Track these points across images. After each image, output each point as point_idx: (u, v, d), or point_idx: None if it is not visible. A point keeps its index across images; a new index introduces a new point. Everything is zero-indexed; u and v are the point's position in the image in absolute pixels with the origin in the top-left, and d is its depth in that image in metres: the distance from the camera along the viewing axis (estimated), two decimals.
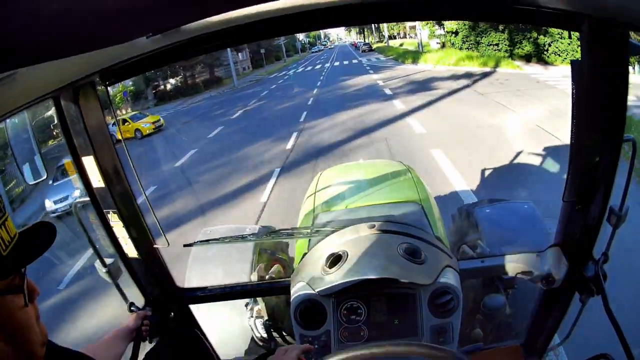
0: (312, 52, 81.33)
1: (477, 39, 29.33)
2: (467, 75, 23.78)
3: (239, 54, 56.67)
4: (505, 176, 8.37)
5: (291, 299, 2.07)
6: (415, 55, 36.21)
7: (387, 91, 22.11)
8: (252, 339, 3.34)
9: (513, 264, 2.25)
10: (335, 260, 2.06)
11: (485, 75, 23.23)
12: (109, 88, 1.89)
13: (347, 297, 1.98)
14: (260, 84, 41.31)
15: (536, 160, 8.77)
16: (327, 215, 3.30)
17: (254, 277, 3.01)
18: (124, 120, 24.20)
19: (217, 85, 46.41)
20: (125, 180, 2.18)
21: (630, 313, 2.32)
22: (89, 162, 2.02)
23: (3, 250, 0.94)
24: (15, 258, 0.97)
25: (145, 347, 2.24)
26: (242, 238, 2.59)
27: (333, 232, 2.30)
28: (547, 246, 2.18)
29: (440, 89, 20.50)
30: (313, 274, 2.09)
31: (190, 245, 2.57)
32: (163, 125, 24.66)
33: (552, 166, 8.26)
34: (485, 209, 3.93)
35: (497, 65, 25.35)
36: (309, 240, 2.85)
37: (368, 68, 37.63)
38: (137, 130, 23.82)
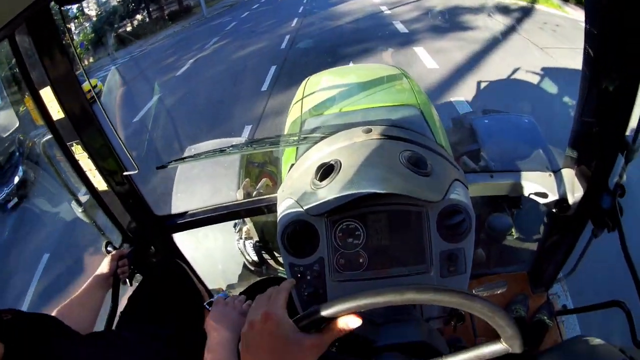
0: None
1: None
2: (503, 8, 15.12)
3: None
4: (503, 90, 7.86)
5: (277, 221, 1.79)
6: None
7: (400, 27, 13.93)
8: (244, 264, 3.22)
9: (525, 182, 2.04)
10: (326, 171, 1.72)
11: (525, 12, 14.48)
12: (65, 9, 1.75)
13: (342, 217, 1.66)
14: (235, 9, 34.05)
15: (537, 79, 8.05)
16: (317, 120, 2.99)
17: (240, 195, 2.84)
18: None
19: (187, 15, 39.56)
20: (89, 108, 2.00)
21: None
22: (47, 94, 1.84)
23: None
24: None
25: (128, 291, 2.11)
26: (220, 151, 2.24)
27: (323, 138, 1.98)
28: (560, 168, 2.00)
29: (479, 30, 12.37)
30: (301, 188, 1.77)
31: (163, 167, 2.31)
32: (101, 91, 21.00)
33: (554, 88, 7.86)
34: (484, 119, 3.78)
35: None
36: (297, 149, 2.62)
37: None
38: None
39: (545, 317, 2.48)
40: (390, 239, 1.62)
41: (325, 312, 0.88)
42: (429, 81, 8.66)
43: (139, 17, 36.77)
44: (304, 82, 3.92)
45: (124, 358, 1.37)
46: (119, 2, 34.35)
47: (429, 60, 9.93)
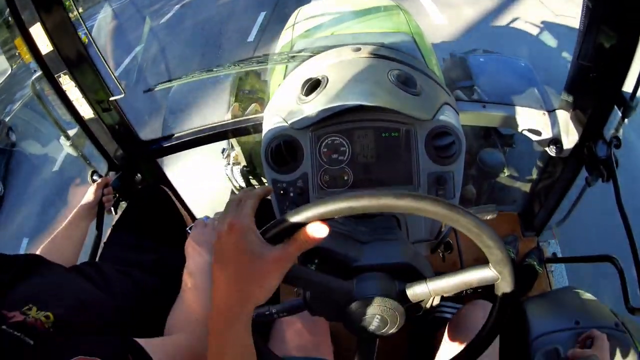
0: None
1: None
2: None
3: None
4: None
5: (262, 137, 1.75)
6: None
7: None
8: (232, 191, 3.23)
9: (519, 117, 2.01)
10: (313, 86, 1.67)
11: None
12: None
13: (327, 132, 1.64)
14: None
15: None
16: (306, 41, 2.95)
17: (228, 118, 2.80)
18: None
19: None
20: (77, 38, 1.98)
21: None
22: (36, 31, 1.84)
23: None
24: None
25: (113, 220, 2.11)
26: (207, 71, 2.16)
27: (311, 56, 1.94)
28: (555, 108, 1.97)
29: None
30: (287, 105, 1.73)
31: (150, 90, 2.26)
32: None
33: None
34: (479, 58, 3.75)
35: None
36: (285, 69, 2.54)
37: None
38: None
39: (535, 263, 2.48)
40: (377, 157, 1.61)
41: (293, 219, 0.82)
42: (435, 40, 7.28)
43: None
44: (296, 11, 3.84)
45: (103, 291, 1.34)
46: None
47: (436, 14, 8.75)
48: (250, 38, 8.98)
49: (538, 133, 1.98)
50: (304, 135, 1.63)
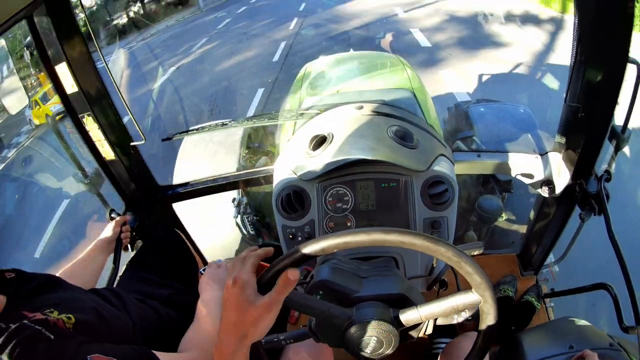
0: None
1: None
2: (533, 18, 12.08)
3: None
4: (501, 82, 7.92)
5: (273, 187, 1.93)
6: None
7: (420, 38, 10.68)
8: (242, 238, 3.31)
9: (512, 163, 2.14)
10: (319, 142, 1.86)
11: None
12: None
13: (332, 183, 1.80)
14: (232, 2, 29.15)
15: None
16: (314, 99, 3.10)
17: (239, 168, 2.94)
18: (35, 103, 18.93)
19: (184, 7, 34.38)
20: (100, 82, 2.08)
21: (632, 242, 2.23)
22: (62, 70, 1.93)
23: None
24: None
25: (129, 256, 2.16)
26: (223, 125, 2.32)
27: (318, 114, 2.13)
28: (547, 151, 2.09)
29: (513, 47, 9.73)
30: (296, 158, 1.91)
31: (168, 139, 2.40)
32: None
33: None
34: (479, 107, 3.85)
35: None
36: (294, 125, 2.67)
37: None
38: (48, 115, 16.00)
39: (533, 299, 2.52)
40: (377, 205, 1.76)
41: (279, 266, 0.99)
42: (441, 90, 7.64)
43: (133, 8, 34.14)
44: (304, 67, 4.03)
45: (124, 311, 1.40)
46: None
47: (459, 85, 8.19)
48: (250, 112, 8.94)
49: (530, 176, 2.10)
50: (311, 186, 1.79)
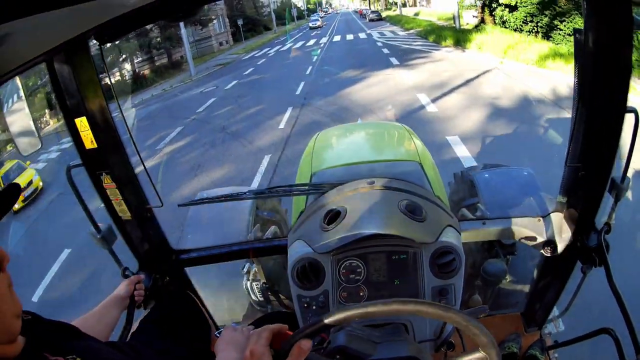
0: (311, 20, 60.22)
1: (553, 21, 18.07)
2: None
3: (214, 24, 47.38)
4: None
5: (288, 258, 2.01)
6: (455, 34, 22.71)
7: (461, 152, 8.17)
8: (250, 303, 3.36)
9: (515, 228, 2.21)
10: (333, 216, 1.97)
11: None
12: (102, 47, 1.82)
13: (346, 256, 1.90)
14: (227, 70, 29.78)
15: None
16: (325, 173, 3.19)
17: (250, 239, 2.96)
18: None
19: (175, 72, 34.61)
20: (119, 141, 2.14)
21: (634, 287, 2.28)
22: (82, 124, 1.97)
23: None
24: None
25: (140, 313, 2.21)
26: (238, 196, 2.48)
27: (331, 188, 2.25)
28: (549, 212, 2.17)
29: None
30: (311, 231, 2.02)
31: (184, 205, 2.54)
32: (39, 189, 13.51)
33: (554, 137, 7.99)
34: (484, 174, 3.92)
35: None
36: (307, 198, 2.80)
37: (384, 50, 23.99)
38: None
39: (537, 353, 2.56)
40: (388, 276, 1.86)
41: (304, 334, 1.13)
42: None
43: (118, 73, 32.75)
44: (314, 137, 4.13)
45: None
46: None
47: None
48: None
49: (533, 239, 2.18)
50: (326, 259, 1.90)
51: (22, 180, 12.98)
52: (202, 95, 21.71)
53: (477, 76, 14.28)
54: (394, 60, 19.97)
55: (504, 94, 11.87)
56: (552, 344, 2.64)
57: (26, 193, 12.52)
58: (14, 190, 1.12)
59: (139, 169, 2.28)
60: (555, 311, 2.62)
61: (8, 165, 14.43)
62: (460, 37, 21.87)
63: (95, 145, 2.01)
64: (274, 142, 11.30)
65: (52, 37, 1.46)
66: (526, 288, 2.64)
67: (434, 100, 12.06)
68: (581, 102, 1.72)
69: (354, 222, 1.86)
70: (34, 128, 1.92)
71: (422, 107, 11.66)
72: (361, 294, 1.88)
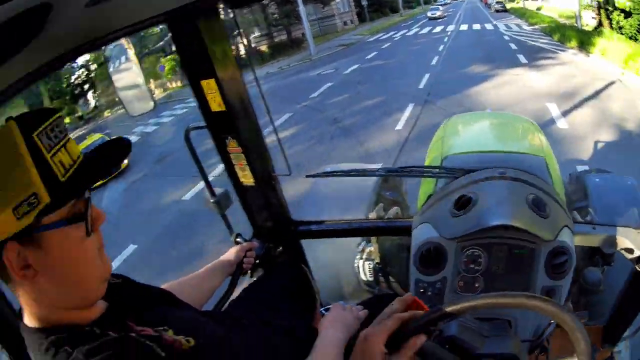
0: (431, 9, 57.35)
1: None
2: None
3: (337, 2, 45.68)
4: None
5: (412, 241, 2.04)
6: (579, 36, 20.69)
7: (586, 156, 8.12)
8: (358, 282, 3.42)
9: (619, 237, 2.16)
10: (465, 203, 1.99)
11: None
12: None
13: (471, 244, 1.91)
14: (349, 52, 28.50)
15: None
16: (457, 158, 3.26)
17: (372, 216, 3.01)
18: None
19: (294, 50, 34.45)
20: (248, 105, 2.14)
21: None
22: (209, 86, 1.96)
23: (62, 175, 0.92)
24: (75, 182, 0.94)
25: (244, 281, 2.17)
26: (367, 172, 2.51)
27: (464, 174, 2.23)
28: None
29: None
30: (439, 216, 2.03)
31: (313, 176, 2.58)
32: (122, 167, 12.75)
33: None
34: (595, 179, 3.94)
35: None
36: (436, 181, 2.86)
37: (512, 45, 22.31)
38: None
39: None
40: (506, 269, 1.89)
41: (424, 320, 1.19)
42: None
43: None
44: (445, 121, 4.27)
45: (233, 336, 1.36)
46: None
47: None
48: None
49: (631, 251, 2.14)
50: (451, 245, 1.94)
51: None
52: (319, 77, 20.93)
53: (605, 87, 12.40)
54: (522, 58, 18.34)
55: (630, 112, 10.03)
56: None
57: None
58: (124, 145, 1.08)
59: (268, 137, 2.28)
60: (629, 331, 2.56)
61: (91, 139, 13.89)
62: (584, 40, 19.69)
63: (223, 108, 2.01)
64: (387, 148, 10.17)
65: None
66: (611, 300, 2.64)
67: (564, 114, 10.44)
68: None
69: (484, 211, 1.90)
70: (145, 88, 1.97)
71: (552, 121, 10.07)
72: (477, 285, 1.90)
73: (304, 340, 1.47)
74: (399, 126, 11.53)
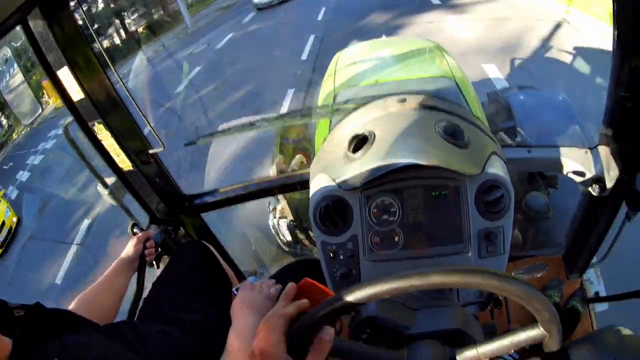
0: None
1: None
2: None
3: None
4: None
5: (310, 196, 1.73)
6: None
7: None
8: (278, 245, 3.19)
9: (563, 159, 1.93)
10: (360, 142, 1.64)
11: None
12: None
13: (377, 192, 1.59)
14: (227, 16, 24.09)
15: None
16: (350, 91, 2.94)
17: (273, 172, 2.69)
18: None
19: (171, 25, 29.50)
20: (109, 88, 1.98)
21: None
22: (65, 74, 1.82)
23: None
24: None
25: (154, 274, 2.04)
26: (250, 125, 2.17)
27: (356, 108, 1.90)
28: (596, 144, 1.89)
29: None
30: (334, 162, 1.70)
31: (191, 143, 2.30)
32: (12, 228, 10.37)
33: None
34: (519, 95, 3.75)
35: None
36: (330, 122, 2.54)
37: None
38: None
39: (578, 304, 2.45)
40: (427, 216, 1.57)
41: (318, 314, 0.92)
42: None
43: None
44: (335, 57, 3.93)
45: (138, 352, 1.34)
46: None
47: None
48: None
49: (582, 174, 1.92)
50: (353, 196, 1.61)
51: None
52: (189, 60, 16.57)
53: (552, 34, 8.98)
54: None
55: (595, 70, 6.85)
56: (592, 297, 2.50)
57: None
58: None
59: (135, 115, 2.12)
60: (594, 258, 2.44)
61: None
62: None
63: (83, 95, 1.87)
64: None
65: None
66: (567, 226, 2.45)
67: (509, 79, 7.36)
68: (627, 25, 1.44)
69: (385, 150, 1.55)
70: (31, 94, 1.95)
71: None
72: (396, 239, 1.58)
73: (219, 331, 1.36)
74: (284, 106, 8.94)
